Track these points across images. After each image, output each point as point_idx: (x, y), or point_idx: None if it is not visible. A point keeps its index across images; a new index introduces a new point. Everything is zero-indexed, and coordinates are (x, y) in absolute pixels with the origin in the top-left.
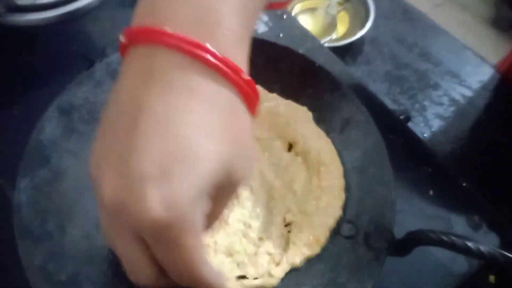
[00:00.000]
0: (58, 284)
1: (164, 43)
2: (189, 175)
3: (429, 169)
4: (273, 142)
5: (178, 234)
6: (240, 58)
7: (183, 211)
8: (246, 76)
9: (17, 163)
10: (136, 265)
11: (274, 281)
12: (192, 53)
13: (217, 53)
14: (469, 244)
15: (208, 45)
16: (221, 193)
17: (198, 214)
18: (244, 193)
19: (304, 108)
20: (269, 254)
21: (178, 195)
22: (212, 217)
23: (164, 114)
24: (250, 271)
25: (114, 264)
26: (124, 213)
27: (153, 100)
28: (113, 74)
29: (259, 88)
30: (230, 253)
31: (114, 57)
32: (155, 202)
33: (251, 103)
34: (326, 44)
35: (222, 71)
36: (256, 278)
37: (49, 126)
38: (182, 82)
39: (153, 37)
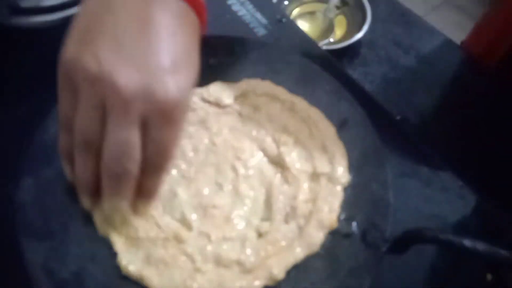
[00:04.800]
0: (60, 282)
1: None
2: (190, 72)
3: (426, 169)
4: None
5: (178, 114)
6: None
7: (186, 97)
8: None
9: (21, 162)
10: (129, 147)
11: (275, 278)
12: None
13: None
14: (466, 242)
15: None
16: None
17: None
18: (244, 191)
19: None
20: (269, 252)
21: (185, 84)
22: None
23: (168, 26)
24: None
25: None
26: (147, 96)
27: (156, 14)
28: None
29: (267, 83)
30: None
31: None
32: (172, 87)
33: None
34: (324, 47)
35: None
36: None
37: (54, 126)
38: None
39: None
